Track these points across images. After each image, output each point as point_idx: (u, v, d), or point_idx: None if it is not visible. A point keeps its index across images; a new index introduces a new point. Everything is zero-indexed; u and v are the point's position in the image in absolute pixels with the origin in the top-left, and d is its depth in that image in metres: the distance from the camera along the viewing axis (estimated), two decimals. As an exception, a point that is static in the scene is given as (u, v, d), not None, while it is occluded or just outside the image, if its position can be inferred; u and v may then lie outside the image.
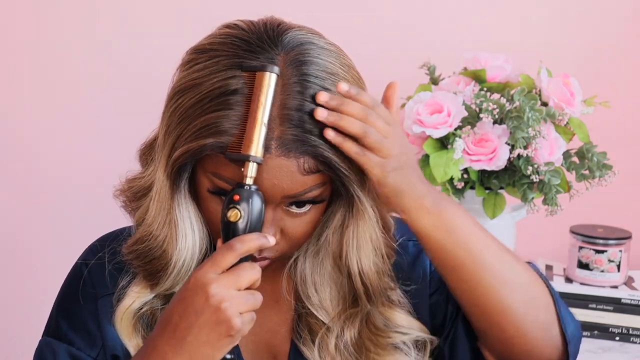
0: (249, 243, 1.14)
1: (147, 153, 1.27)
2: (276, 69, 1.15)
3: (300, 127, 1.15)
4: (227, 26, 1.22)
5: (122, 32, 2.28)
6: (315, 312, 1.31)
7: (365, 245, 1.26)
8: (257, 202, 1.15)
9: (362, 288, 1.28)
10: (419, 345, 1.33)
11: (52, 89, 2.28)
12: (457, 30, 2.26)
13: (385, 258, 1.29)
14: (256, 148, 1.14)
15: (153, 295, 1.28)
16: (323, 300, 1.31)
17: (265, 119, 1.15)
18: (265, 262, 1.24)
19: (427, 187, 1.22)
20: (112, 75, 2.27)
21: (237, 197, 1.15)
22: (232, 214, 1.15)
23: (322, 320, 1.31)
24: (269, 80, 1.15)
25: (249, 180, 1.15)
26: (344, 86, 1.17)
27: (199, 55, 1.20)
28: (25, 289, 2.33)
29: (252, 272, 1.14)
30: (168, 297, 1.28)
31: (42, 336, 1.32)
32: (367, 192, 1.23)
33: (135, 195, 1.26)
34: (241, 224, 1.15)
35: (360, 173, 1.20)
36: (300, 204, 1.21)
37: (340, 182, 1.20)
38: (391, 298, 1.33)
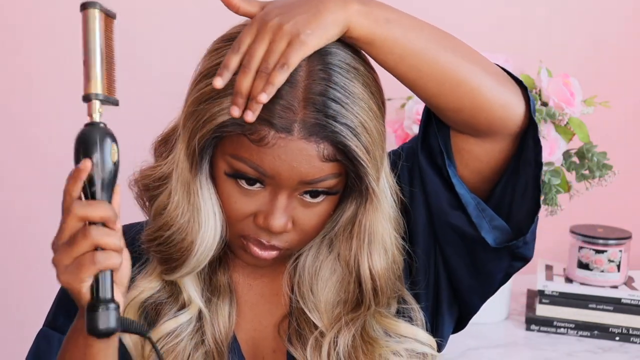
0: (88, 212, 1.08)
1: (162, 145, 1.28)
2: (97, 5, 1.13)
3: (322, 112, 1.15)
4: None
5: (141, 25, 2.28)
6: (308, 313, 1.30)
7: (377, 242, 1.26)
8: (109, 139, 1.10)
9: (370, 285, 1.27)
10: (415, 356, 1.32)
11: (63, 78, 2.28)
12: (457, 31, 2.26)
13: (395, 258, 1.28)
14: (96, 85, 1.12)
15: (160, 285, 1.28)
16: (318, 302, 1.30)
17: (96, 57, 1.13)
18: (274, 254, 1.24)
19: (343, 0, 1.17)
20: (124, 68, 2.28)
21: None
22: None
23: (313, 322, 1.30)
24: (90, 16, 1.13)
25: (97, 117, 1.12)
26: (218, 82, 1.15)
27: (224, 43, 1.21)
28: (37, 282, 2.33)
29: (69, 221, 1.08)
30: (173, 288, 1.29)
31: (42, 326, 1.33)
32: (380, 188, 1.22)
33: (152, 184, 1.27)
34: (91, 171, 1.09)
35: (378, 166, 1.20)
36: (314, 193, 1.21)
37: (356, 174, 1.20)
38: (391, 305, 1.32)
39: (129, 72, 2.27)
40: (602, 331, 2.10)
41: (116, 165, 1.10)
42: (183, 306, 1.29)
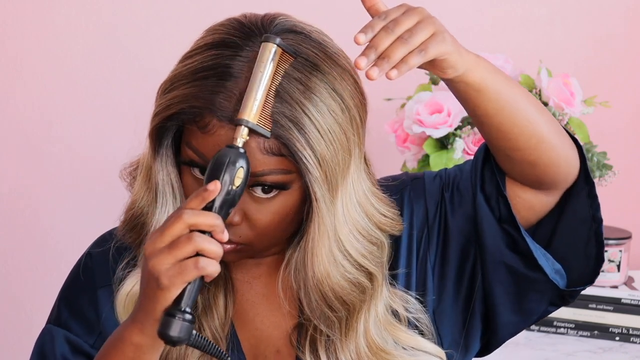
0: (190, 199, 1.12)
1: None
2: (277, 39, 1.16)
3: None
4: (240, 14, 1.25)
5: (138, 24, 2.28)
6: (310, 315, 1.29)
7: (320, 254, 1.23)
8: (238, 164, 1.14)
9: (319, 296, 1.25)
10: None
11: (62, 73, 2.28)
12: (457, 31, 2.26)
13: (358, 277, 1.26)
14: (249, 113, 1.14)
15: None
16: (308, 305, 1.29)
17: (257, 87, 1.15)
18: (229, 247, 1.22)
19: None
20: (125, 64, 2.28)
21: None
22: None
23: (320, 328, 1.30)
24: (268, 49, 1.16)
25: (238, 142, 1.15)
26: (361, 37, 1.13)
27: (205, 32, 1.24)
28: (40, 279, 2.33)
29: (176, 226, 1.11)
30: None
31: (46, 323, 1.34)
32: (330, 194, 1.20)
33: (136, 172, 1.28)
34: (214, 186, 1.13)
35: (332, 170, 1.18)
36: (266, 188, 1.20)
37: (301, 174, 1.18)
38: (397, 312, 1.31)
39: (130, 66, 2.28)
40: (602, 331, 2.10)
41: (239, 188, 1.14)
42: None
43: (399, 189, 1.35)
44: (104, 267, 1.31)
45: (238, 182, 1.14)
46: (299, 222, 1.25)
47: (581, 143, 1.37)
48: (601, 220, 1.32)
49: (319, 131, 1.17)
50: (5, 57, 2.28)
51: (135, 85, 2.26)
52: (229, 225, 1.20)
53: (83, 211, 2.29)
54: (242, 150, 1.14)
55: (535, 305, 1.33)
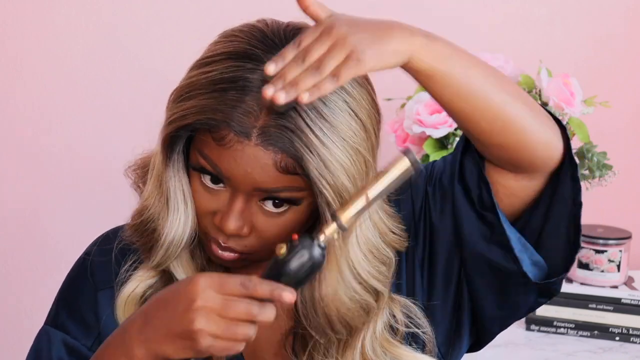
0: (264, 287, 1.10)
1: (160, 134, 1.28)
2: (414, 158, 1.13)
3: (286, 123, 1.15)
4: (257, 20, 1.23)
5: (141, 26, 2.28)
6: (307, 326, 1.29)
7: (329, 274, 1.22)
8: (309, 256, 1.11)
9: (321, 310, 1.25)
10: None
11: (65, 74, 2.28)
12: (457, 30, 2.26)
13: (363, 286, 1.25)
14: (346, 215, 1.12)
15: (157, 278, 1.28)
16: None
17: (371, 195, 1.12)
18: (232, 255, 1.22)
19: (410, 31, 1.17)
20: (129, 63, 2.28)
21: (295, 237, 1.12)
22: (280, 247, 1.12)
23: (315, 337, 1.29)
24: (401, 165, 1.13)
25: (321, 237, 1.12)
26: (270, 67, 1.12)
27: (222, 38, 1.21)
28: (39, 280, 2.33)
29: (247, 307, 1.09)
30: (169, 279, 1.28)
31: (43, 324, 1.33)
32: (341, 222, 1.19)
33: (143, 171, 1.27)
34: (278, 262, 1.11)
35: (337, 189, 1.17)
36: (277, 202, 1.19)
37: (314, 193, 1.17)
38: (395, 327, 1.30)
39: (130, 66, 2.28)
40: (602, 331, 2.10)
41: (308, 278, 1.13)
42: None
43: None
44: (105, 268, 1.31)
45: (311, 279, 1.14)
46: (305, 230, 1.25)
47: (566, 125, 1.31)
48: (581, 204, 1.28)
49: (337, 160, 1.16)
50: (5, 57, 2.28)
51: (135, 85, 2.26)
52: (235, 236, 1.20)
53: (83, 211, 2.29)
54: (322, 256, 1.12)
55: (520, 299, 1.31)
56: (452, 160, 1.31)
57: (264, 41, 1.18)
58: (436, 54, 1.16)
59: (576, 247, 1.29)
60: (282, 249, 1.11)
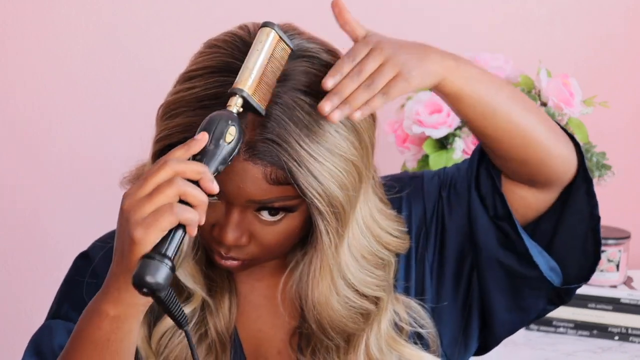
0: (185, 165, 1.08)
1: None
2: (275, 26, 1.16)
3: (272, 136, 1.15)
4: (240, 27, 1.23)
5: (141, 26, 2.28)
6: (314, 327, 1.29)
7: (321, 281, 1.23)
8: (231, 122, 1.11)
9: (313, 317, 1.26)
10: None
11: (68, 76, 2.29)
12: (457, 31, 2.27)
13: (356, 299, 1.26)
14: (244, 84, 1.13)
15: None
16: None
17: (254, 63, 1.14)
18: (236, 263, 1.23)
19: (441, 54, 1.21)
20: (125, 65, 2.28)
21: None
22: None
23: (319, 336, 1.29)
24: (264, 34, 1.15)
25: (232, 109, 1.13)
26: (329, 82, 1.15)
27: (205, 47, 1.22)
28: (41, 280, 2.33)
29: (161, 173, 1.07)
30: (177, 281, 1.28)
31: (45, 321, 1.32)
32: (337, 227, 1.20)
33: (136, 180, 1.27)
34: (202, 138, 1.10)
35: (328, 199, 1.18)
36: (272, 211, 1.20)
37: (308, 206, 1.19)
38: (400, 325, 1.31)
39: (130, 66, 2.28)
40: (602, 331, 2.10)
41: (230, 145, 1.11)
42: (186, 298, 1.29)
43: (399, 188, 1.35)
44: (108, 264, 1.31)
45: (229, 138, 1.11)
46: (305, 233, 1.25)
47: (580, 143, 1.37)
48: (599, 218, 1.32)
49: (324, 166, 1.17)
50: (5, 57, 2.28)
51: (135, 85, 2.26)
52: (235, 246, 1.21)
53: (83, 211, 2.29)
54: (235, 115, 1.12)
55: (531, 304, 1.33)
56: (468, 168, 1.34)
57: (246, 51, 1.18)
58: (465, 77, 1.21)
59: (596, 259, 1.33)
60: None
